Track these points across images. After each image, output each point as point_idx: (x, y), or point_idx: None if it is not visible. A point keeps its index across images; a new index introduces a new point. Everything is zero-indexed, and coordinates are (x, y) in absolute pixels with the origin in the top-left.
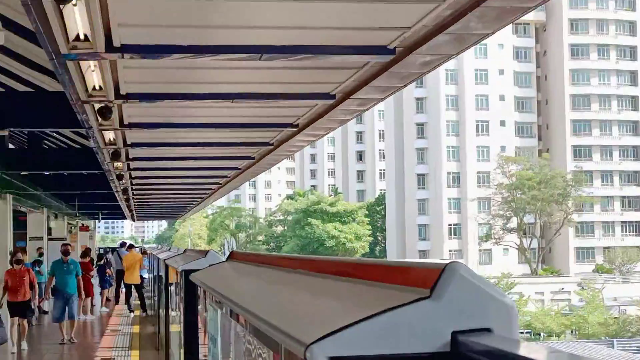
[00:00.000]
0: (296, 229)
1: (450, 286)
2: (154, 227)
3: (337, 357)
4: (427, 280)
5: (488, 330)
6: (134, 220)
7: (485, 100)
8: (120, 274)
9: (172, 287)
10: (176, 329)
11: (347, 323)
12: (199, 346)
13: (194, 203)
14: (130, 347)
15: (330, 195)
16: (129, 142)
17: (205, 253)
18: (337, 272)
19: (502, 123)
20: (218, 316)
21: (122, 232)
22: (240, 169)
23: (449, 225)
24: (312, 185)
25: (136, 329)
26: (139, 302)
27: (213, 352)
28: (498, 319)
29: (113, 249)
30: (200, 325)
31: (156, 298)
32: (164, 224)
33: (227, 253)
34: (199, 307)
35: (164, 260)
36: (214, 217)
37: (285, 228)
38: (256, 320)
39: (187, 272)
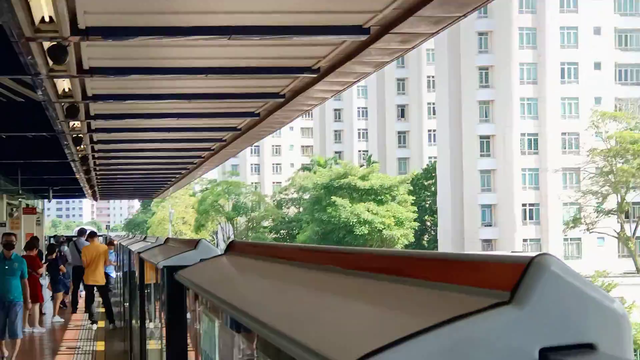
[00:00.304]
0: (315, 211)
1: (539, 287)
2: (123, 209)
3: None
4: (506, 279)
5: (590, 347)
6: (95, 199)
7: (574, 34)
8: (78, 271)
9: (150, 290)
10: (155, 346)
11: (397, 338)
12: None
13: (176, 176)
14: None
15: (362, 166)
16: (90, 94)
17: (194, 244)
18: (380, 269)
19: (597, 65)
20: (215, 328)
21: (81, 215)
22: (239, 129)
23: (523, 205)
24: (336, 152)
25: (100, 346)
26: (103, 309)
27: None
28: (604, 332)
29: (69, 239)
30: (189, 340)
31: (127, 304)
32: (135, 204)
33: (222, 243)
34: (188, 316)
35: (138, 253)
36: (203, 196)
37: (301, 210)
38: (271, 333)
39: (170, 270)
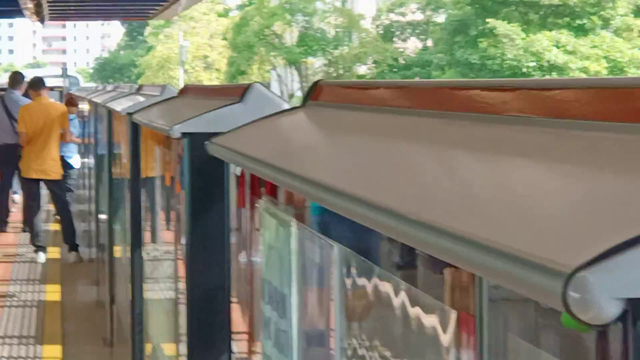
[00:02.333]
0: (457, 46)
1: None
2: (92, 41)
3: None
4: None
5: None
6: (41, 20)
7: None
8: (9, 154)
9: (152, 187)
10: (162, 291)
11: None
12: (235, 334)
13: None
14: (40, 340)
15: None
16: None
17: (241, 92)
18: (604, 113)
19: None
20: (290, 240)
21: (12, 52)
22: None
23: None
24: None
25: (53, 293)
26: (58, 226)
27: (277, 336)
28: None
29: None
30: (233, 272)
31: (103, 216)
32: (114, 31)
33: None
34: (242, 225)
35: (129, 114)
36: (244, 17)
37: (429, 44)
38: (416, 230)
39: (196, 140)
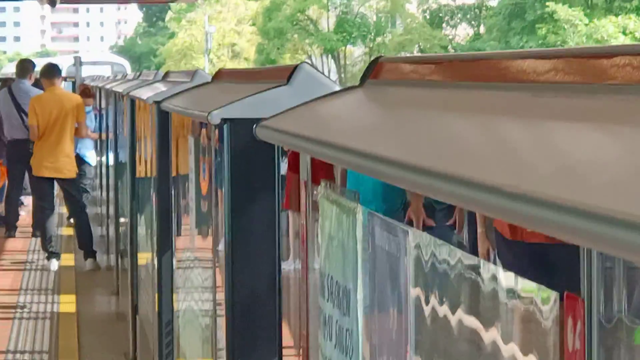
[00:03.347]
0: (512, 32)
1: None
2: (107, 28)
3: None
4: None
5: None
6: (52, 4)
7: None
8: (20, 151)
9: (184, 184)
10: (196, 305)
11: None
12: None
13: None
14: (54, 355)
15: None
16: None
17: (287, 73)
18: None
19: None
20: (356, 230)
21: (18, 39)
22: None
23: None
24: None
25: (68, 305)
26: (73, 229)
27: (339, 335)
28: None
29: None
30: (286, 273)
31: (125, 219)
32: (132, 17)
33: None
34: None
35: (156, 102)
36: (274, 1)
37: (482, 30)
38: (521, 204)
39: (238, 127)
